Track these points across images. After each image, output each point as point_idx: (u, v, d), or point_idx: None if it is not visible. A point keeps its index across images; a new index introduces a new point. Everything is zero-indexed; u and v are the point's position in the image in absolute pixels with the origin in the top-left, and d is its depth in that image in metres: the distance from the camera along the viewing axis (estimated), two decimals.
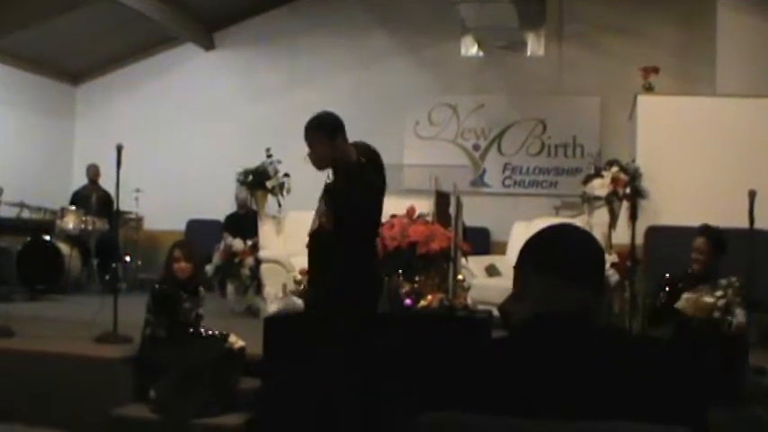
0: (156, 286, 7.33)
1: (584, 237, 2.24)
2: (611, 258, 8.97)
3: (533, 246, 2.23)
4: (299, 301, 7.06)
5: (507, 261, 10.59)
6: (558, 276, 2.10)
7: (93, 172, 13.47)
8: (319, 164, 5.75)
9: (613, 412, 1.85)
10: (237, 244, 10.71)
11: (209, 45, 15.36)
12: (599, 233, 9.39)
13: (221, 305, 10.37)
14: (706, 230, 7.10)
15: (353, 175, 5.63)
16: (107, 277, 11.69)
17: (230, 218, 12.61)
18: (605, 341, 2.06)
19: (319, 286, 5.88)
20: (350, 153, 5.68)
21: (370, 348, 4.76)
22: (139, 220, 13.80)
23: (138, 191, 12.16)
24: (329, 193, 5.72)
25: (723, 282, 6.81)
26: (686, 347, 6.40)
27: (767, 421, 6.25)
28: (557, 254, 2.15)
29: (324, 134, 5.72)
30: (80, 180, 13.98)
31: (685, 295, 6.86)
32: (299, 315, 6.86)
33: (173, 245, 7.39)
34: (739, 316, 6.69)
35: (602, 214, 9.59)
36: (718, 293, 6.75)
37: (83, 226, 12.37)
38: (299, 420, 6.33)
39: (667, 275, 7.22)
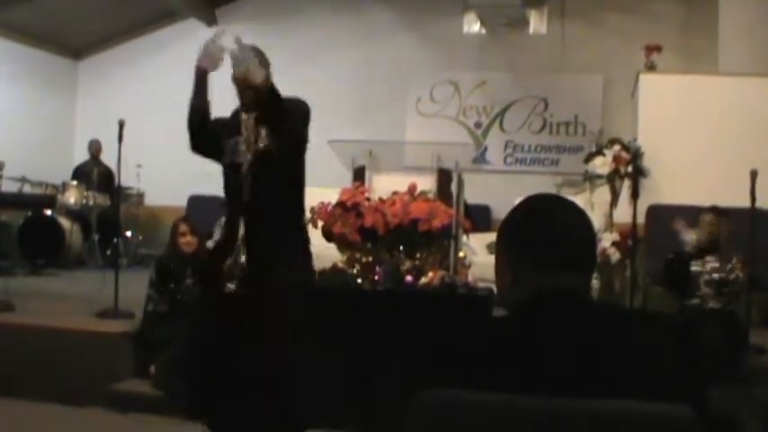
0: (161, 262, 7.35)
1: (571, 218, 2.20)
2: (612, 237, 8.98)
3: (520, 233, 2.20)
4: None
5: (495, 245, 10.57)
6: (552, 266, 2.09)
7: (94, 147, 13.46)
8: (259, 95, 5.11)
9: (613, 390, 1.85)
10: None
11: (211, 20, 15.30)
12: (600, 211, 9.41)
13: None
14: (714, 208, 7.24)
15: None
16: (108, 252, 11.71)
17: None
18: (605, 318, 2.06)
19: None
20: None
21: (370, 324, 4.76)
22: (141, 195, 13.79)
23: (139, 166, 12.14)
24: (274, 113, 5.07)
25: (731, 256, 7.00)
26: (687, 325, 6.43)
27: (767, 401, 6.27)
28: (548, 246, 2.11)
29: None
30: (81, 155, 13.97)
31: (693, 262, 7.04)
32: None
33: (176, 220, 7.41)
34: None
35: (603, 192, 9.60)
36: (725, 263, 6.93)
37: (84, 201, 12.38)
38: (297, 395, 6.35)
39: (671, 255, 7.35)
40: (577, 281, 2.10)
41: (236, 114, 5.14)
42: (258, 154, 4.95)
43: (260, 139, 4.99)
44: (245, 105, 4.99)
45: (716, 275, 6.96)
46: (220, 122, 5.15)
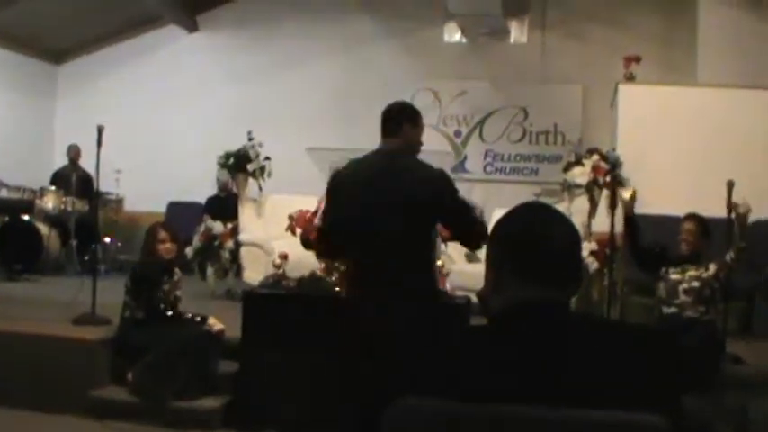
0: (135, 268, 7.33)
1: (562, 229, 2.20)
2: (590, 246, 9.00)
3: (509, 243, 2.18)
4: None
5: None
6: (539, 280, 2.09)
7: (73, 152, 13.40)
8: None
9: (589, 399, 1.86)
10: (218, 227, 10.70)
11: (192, 27, 15.29)
12: (578, 221, 9.42)
13: (201, 288, 10.35)
14: (693, 216, 7.26)
15: None
16: (86, 258, 11.67)
17: (211, 200, 12.58)
18: (582, 328, 2.07)
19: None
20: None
21: (347, 331, 4.74)
22: (119, 201, 13.73)
23: (118, 172, 12.09)
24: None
25: (712, 265, 7.01)
26: (663, 336, 6.46)
27: (741, 408, 6.30)
28: (536, 258, 2.11)
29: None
30: (61, 160, 13.91)
31: (672, 269, 7.07)
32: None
33: (154, 226, 7.39)
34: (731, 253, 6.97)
35: (582, 202, 9.63)
36: (704, 271, 6.98)
37: (62, 206, 12.34)
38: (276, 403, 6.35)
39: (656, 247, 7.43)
40: (558, 294, 2.11)
41: None
42: None
43: None
44: None
45: (695, 284, 6.98)
46: None
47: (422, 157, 4.87)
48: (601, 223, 9.06)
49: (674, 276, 7.10)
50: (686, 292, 6.99)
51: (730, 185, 7.09)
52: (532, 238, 2.14)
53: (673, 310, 7.02)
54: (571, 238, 2.18)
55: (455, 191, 4.69)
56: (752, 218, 7.01)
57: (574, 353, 1.97)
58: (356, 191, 4.70)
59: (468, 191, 12.88)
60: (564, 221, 2.20)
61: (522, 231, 2.17)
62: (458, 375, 1.98)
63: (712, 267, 7.02)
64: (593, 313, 8.36)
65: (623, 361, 1.97)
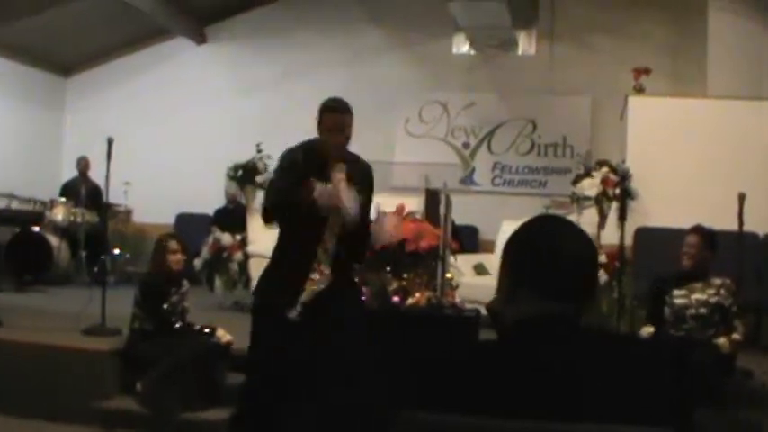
0: (145, 280, 7.33)
1: (578, 242, 2.18)
2: (599, 259, 8.98)
3: (524, 257, 2.17)
4: None
5: (495, 260, 10.46)
6: (555, 294, 2.08)
7: (82, 164, 13.43)
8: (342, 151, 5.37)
9: (600, 414, 1.85)
10: (226, 238, 10.71)
11: (200, 39, 15.34)
12: (588, 233, 9.42)
13: (209, 299, 10.35)
14: (698, 229, 7.05)
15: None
16: (95, 269, 11.68)
17: (219, 212, 12.57)
18: (592, 343, 2.06)
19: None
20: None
21: (355, 344, 4.74)
22: (128, 212, 13.78)
23: (127, 184, 12.09)
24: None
25: (717, 281, 6.75)
26: (674, 350, 6.41)
27: (754, 424, 6.26)
28: (552, 272, 2.09)
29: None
30: (70, 172, 13.93)
31: (677, 291, 6.80)
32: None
33: (163, 237, 7.39)
34: (739, 327, 6.67)
35: (591, 214, 9.60)
36: (711, 291, 6.71)
37: (72, 218, 12.35)
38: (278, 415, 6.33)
39: (656, 277, 7.17)
40: (572, 309, 2.09)
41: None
42: None
43: None
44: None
45: (703, 310, 6.72)
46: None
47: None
48: (610, 236, 9.03)
49: (679, 301, 6.79)
50: (694, 317, 6.74)
51: (741, 198, 7.06)
52: (549, 253, 2.12)
53: (681, 334, 6.81)
54: (587, 251, 2.17)
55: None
56: (762, 231, 6.96)
57: (587, 367, 1.95)
58: None
59: (476, 203, 12.93)
60: (580, 235, 2.18)
61: (539, 245, 2.15)
62: (470, 389, 1.96)
63: (722, 291, 6.77)
64: (604, 327, 8.33)
65: (635, 375, 1.96)
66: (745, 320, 6.73)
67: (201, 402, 6.69)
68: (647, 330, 6.82)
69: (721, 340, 6.54)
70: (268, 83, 14.55)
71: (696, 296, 6.72)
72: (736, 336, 6.60)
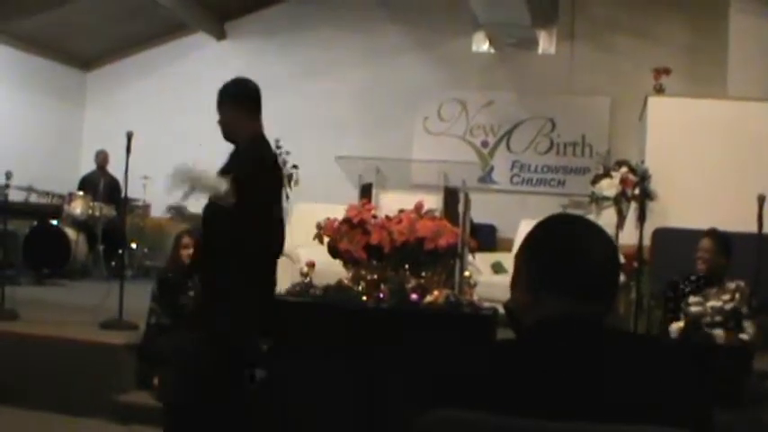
0: (162, 275, 7.35)
1: (600, 242, 2.15)
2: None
3: (546, 256, 2.14)
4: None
5: (513, 259, 10.57)
6: (576, 294, 2.06)
7: (101, 158, 13.47)
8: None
9: (620, 414, 1.85)
10: None
11: (220, 35, 15.36)
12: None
13: None
14: (712, 232, 7.02)
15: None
16: (113, 263, 11.72)
17: None
18: (617, 343, 2.05)
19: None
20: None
21: (374, 343, 4.74)
22: (146, 207, 13.80)
23: (145, 178, 12.12)
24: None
25: (731, 285, 6.72)
26: (693, 351, 6.40)
27: None
28: (574, 272, 2.06)
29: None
30: (88, 166, 13.98)
31: (692, 299, 6.79)
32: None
33: (180, 232, 7.42)
34: (749, 328, 6.63)
35: (609, 215, 9.57)
36: (726, 297, 6.69)
37: (90, 211, 12.38)
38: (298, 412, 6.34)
39: (673, 279, 7.14)
40: (595, 308, 2.07)
41: None
42: None
43: None
44: None
45: (718, 318, 6.67)
46: None
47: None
48: (628, 236, 9.01)
49: (695, 309, 6.79)
50: (710, 326, 6.72)
51: (761, 200, 7.03)
52: (571, 252, 2.10)
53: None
54: (609, 251, 2.15)
55: None
56: None
57: (609, 367, 1.95)
58: None
59: (495, 201, 12.91)
60: (602, 234, 2.16)
61: (561, 245, 2.13)
62: (491, 389, 1.96)
63: (738, 295, 6.73)
64: (620, 327, 8.31)
65: (655, 376, 1.96)
66: (758, 321, 6.68)
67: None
68: (678, 326, 6.79)
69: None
70: (288, 79, 14.54)
71: (711, 303, 6.69)
72: (743, 336, 6.59)
